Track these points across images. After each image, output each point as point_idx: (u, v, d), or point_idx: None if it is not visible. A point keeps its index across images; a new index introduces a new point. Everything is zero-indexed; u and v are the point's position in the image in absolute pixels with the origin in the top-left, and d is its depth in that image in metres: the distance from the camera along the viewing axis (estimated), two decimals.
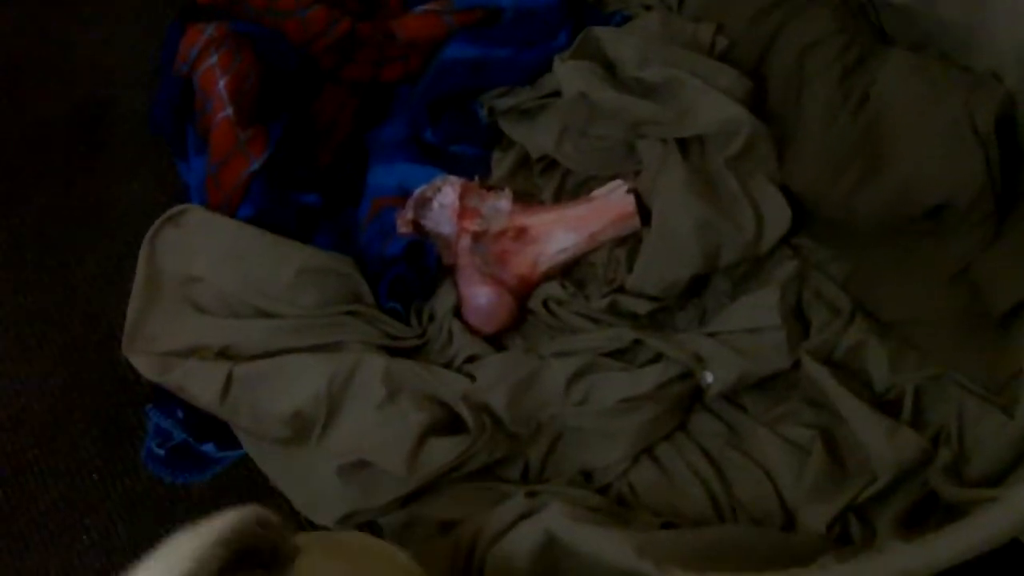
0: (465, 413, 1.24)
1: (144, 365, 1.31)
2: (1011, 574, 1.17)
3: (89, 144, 1.68)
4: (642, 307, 1.34)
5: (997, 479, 1.15)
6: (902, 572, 1.01)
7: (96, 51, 1.80)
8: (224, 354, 1.31)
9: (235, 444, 1.35)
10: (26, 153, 1.68)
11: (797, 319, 1.31)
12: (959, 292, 1.30)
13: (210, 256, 1.36)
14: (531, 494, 1.20)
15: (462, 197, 1.39)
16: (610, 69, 1.46)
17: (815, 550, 1.10)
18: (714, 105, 1.36)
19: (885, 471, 1.18)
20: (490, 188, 1.44)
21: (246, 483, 1.36)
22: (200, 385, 1.28)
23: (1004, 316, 1.26)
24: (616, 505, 1.23)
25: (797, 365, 1.28)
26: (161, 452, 1.38)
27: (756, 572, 1.03)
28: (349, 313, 1.34)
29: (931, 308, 1.30)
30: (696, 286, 1.37)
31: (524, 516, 1.16)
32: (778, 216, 1.35)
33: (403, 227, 1.38)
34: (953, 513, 1.12)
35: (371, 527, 1.27)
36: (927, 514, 1.19)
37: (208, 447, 1.37)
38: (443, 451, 1.22)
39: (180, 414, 1.37)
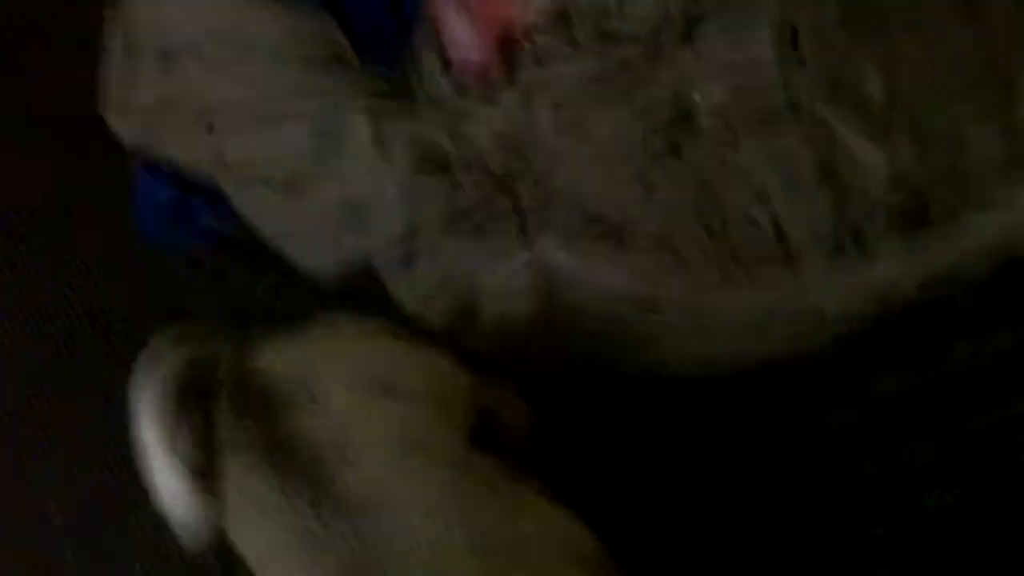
0: (456, 151, 1.23)
1: (127, 131, 1.28)
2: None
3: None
4: (634, 40, 1.30)
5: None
6: (891, 275, 1.02)
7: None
8: (205, 112, 1.28)
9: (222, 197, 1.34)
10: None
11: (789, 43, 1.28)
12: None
13: (191, 18, 1.32)
14: (527, 233, 1.20)
15: None
16: None
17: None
18: None
19: (877, 185, 1.18)
20: None
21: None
22: (182, 139, 1.26)
23: None
24: (612, 232, 1.23)
25: (791, 84, 1.25)
26: (150, 209, 1.38)
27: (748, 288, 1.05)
28: (334, 67, 1.30)
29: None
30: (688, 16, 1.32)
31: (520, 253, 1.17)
32: None
33: None
34: None
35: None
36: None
37: (197, 201, 1.36)
38: (435, 189, 1.22)
39: (167, 170, 1.35)
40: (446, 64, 1.31)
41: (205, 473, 0.84)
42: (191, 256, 1.37)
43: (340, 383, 0.88)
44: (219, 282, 1.36)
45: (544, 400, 1.18)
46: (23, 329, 1.49)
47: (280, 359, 0.91)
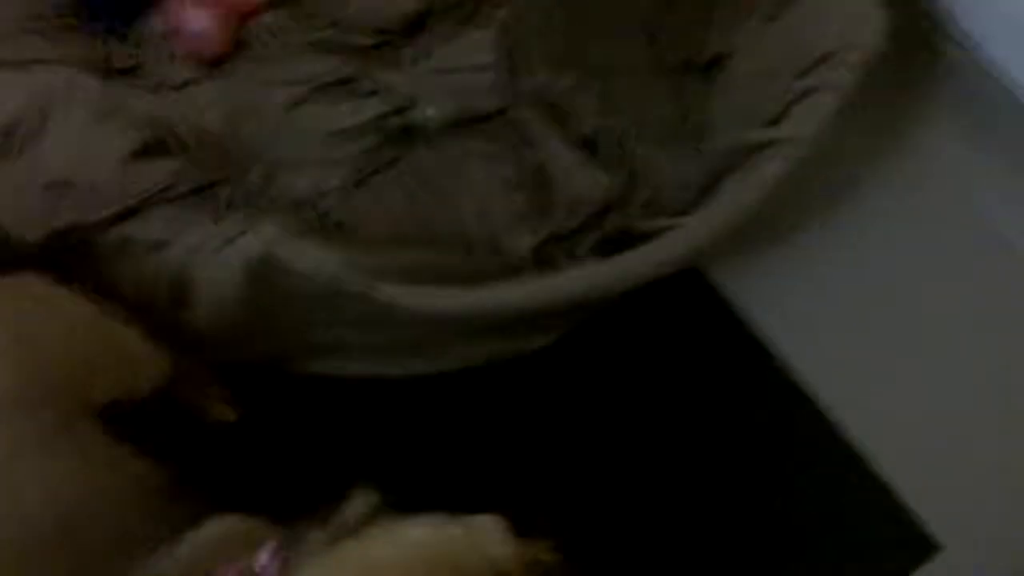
0: (182, 132, 1.22)
1: None
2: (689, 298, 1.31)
3: None
4: (362, 39, 1.35)
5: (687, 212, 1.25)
6: (592, 284, 1.11)
7: None
8: None
9: None
10: None
11: (512, 61, 1.36)
12: (654, 44, 1.38)
13: None
14: (248, 217, 1.21)
15: None
16: None
17: (518, 270, 1.17)
18: None
19: (586, 206, 1.27)
20: None
21: None
22: None
23: (703, 66, 1.36)
24: (334, 228, 1.26)
25: (513, 104, 1.33)
26: None
27: (463, 287, 1.10)
28: (59, 28, 1.27)
29: (630, 58, 1.37)
30: (417, 24, 1.38)
31: (239, 236, 1.17)
32: None
33: None
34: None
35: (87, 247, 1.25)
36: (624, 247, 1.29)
37: None
38: (156, 171, 1.20)
39: None
40: (176, 49, 1.32)
41: None
42: None
43: None
44: None
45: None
46: None
47: None
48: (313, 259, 1.11)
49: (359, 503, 0.83)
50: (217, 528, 0.88)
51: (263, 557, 0.78)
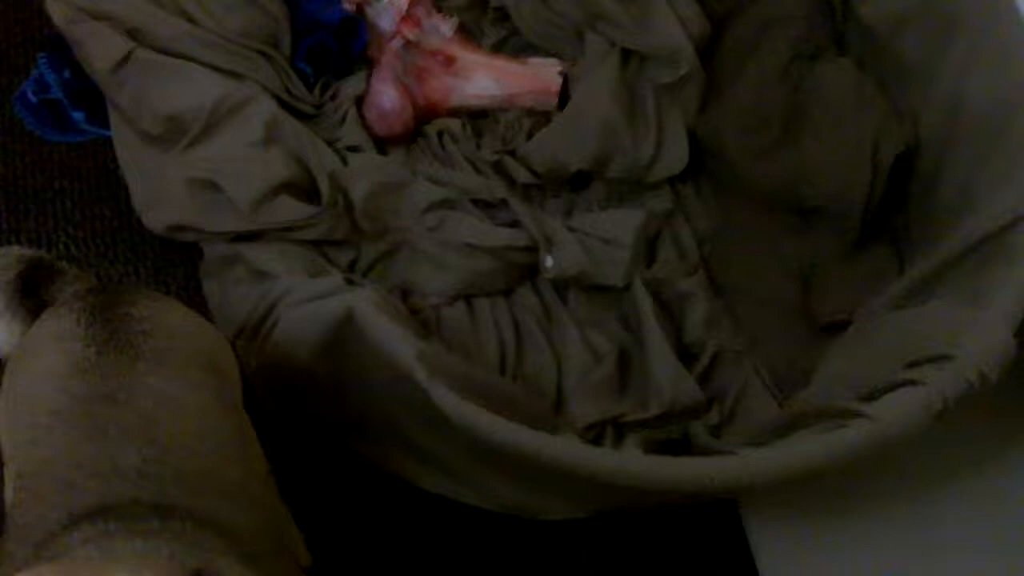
0: (324, 185, 1.28)
1: (58, 9, 1.31)
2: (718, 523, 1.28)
3: None
4: (523, 176, 1.41)
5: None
6: (627, 471, 1.09)
7: None
8: (133, 35, 1.31)
9: (104, 123, 1.38)
10: None
11: (648, 251, 1.39)
12: (795, 287, 1.39)
13: None
14: (349, 281, 1.26)
15: (412, 3, 1.42)
16: None
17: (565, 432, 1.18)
18: (669, 31, 1.42)
19: (657, 406, 1.27)
20: (440, 9, 1.48)
21: (96, 170, 1.40)
22: (101, 49, 1.28)
23: (824, 325, 1.36)
24: (422, 325, 1.29)
25: (628, 288, 1.36)
26: (34, 100, 1.41)
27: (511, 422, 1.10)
28: (263, 54, 1.36)
29: (766, 289, 1.39)
30: (576, 181, 1.44)
31: (334, 294, 1.21)
32: (676, 156, 1.43)
33: (348, 3, 1.41)
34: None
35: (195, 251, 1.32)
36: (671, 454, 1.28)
37: (78, 115, 1.40)
38: (290, 209, 1.26)
39: (67, 74, 1.40)
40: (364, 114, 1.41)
41: None
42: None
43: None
44: None
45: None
46: None
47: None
48: (390, 338, 1.13)
49: None
50: None
51: None
